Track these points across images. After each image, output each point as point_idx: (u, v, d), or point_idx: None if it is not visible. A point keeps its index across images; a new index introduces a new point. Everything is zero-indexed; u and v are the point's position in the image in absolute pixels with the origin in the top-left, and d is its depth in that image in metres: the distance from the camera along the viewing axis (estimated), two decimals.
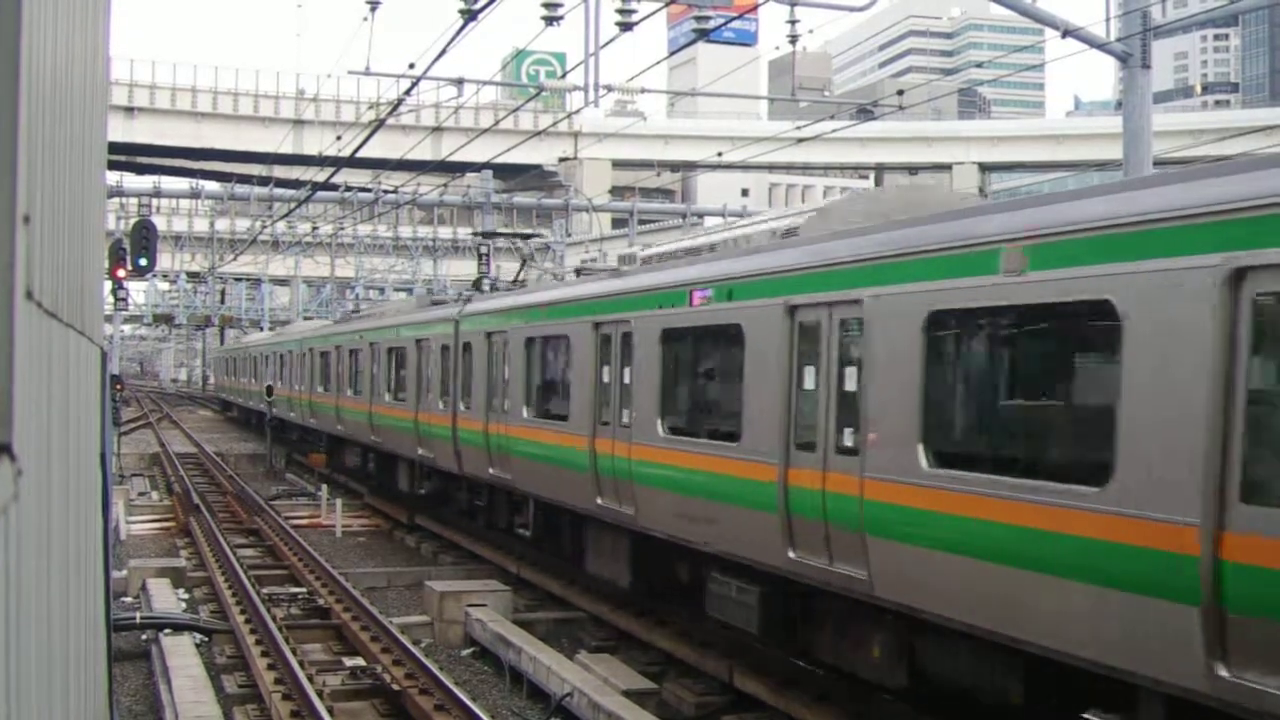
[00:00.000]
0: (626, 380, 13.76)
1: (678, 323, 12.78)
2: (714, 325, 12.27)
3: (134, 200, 53.63)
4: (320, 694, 11.76)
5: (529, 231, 24.39)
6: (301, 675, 12.22)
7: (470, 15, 17.82)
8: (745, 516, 11.24)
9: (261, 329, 63.02)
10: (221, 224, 65.91)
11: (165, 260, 61.92)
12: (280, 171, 66.00)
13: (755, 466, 11.03)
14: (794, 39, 20.29)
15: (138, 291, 65.60)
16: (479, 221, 46.14)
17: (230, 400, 60.32)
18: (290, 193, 52.02)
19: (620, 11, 18.62)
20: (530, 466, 16.79)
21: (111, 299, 33.50)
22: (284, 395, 39.15)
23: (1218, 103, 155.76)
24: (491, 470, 18.31)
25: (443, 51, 19.59)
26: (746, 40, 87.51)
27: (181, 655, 13.58)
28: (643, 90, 26.03)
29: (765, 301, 11.05)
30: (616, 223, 62.82)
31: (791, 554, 10.45)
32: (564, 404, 15.72)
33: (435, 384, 21.36)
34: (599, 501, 14.33)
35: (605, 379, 14.27)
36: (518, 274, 23.99)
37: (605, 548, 15.21)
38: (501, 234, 28.61)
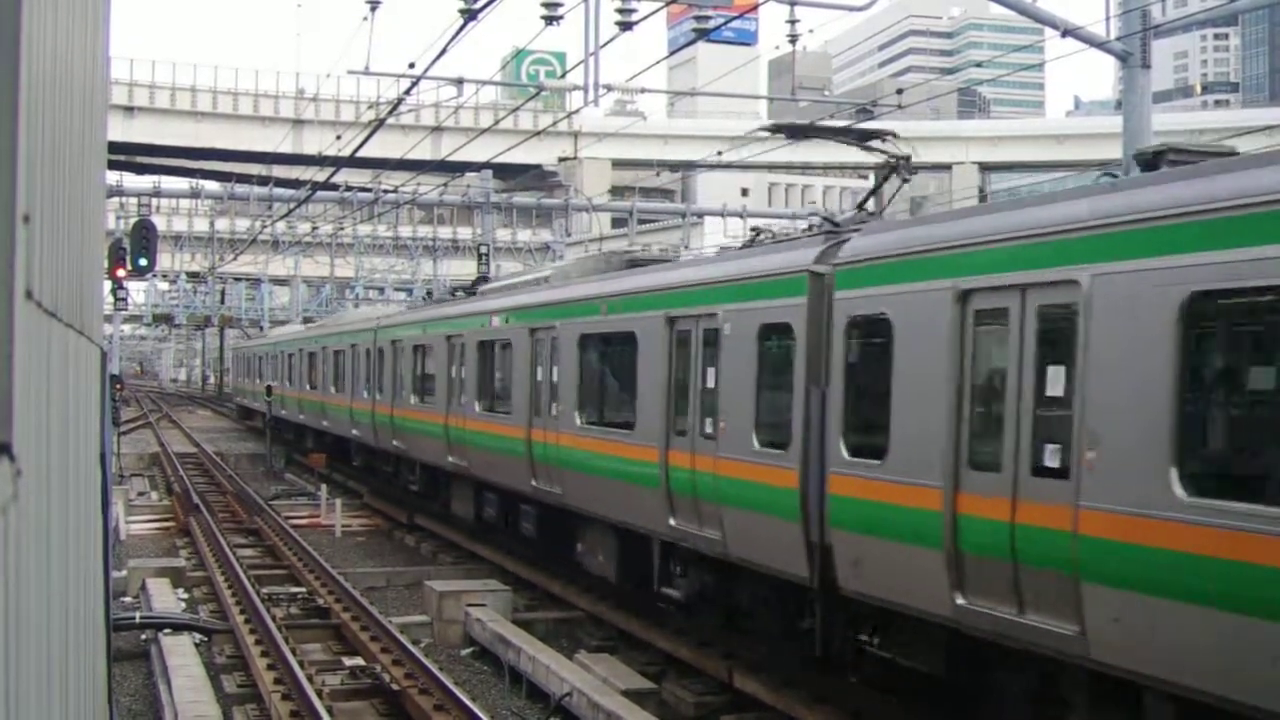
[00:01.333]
0: None
1: None
2: None
3: (134, 200, 53.61)
4: (320, 694, 11.77)
5: (883, 129, 12.93)
6: (301, 675, 12.23)
7: (470, 15, 17.82)
8: None
9: (261, 329, 62.83)
10: (221, 224, 65.92)
11: (165, 260, 61.90)
12: (280, 171, 65.96)
13: None
14: (794, 39, 20.35)
15: (138, 291, 65.73)
16: (479, 221, 46.10)
17: (251, 407, 51.16)
18: (290, 193, 51.98)
19: (620, 11, 18.63)
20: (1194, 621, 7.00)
21: (111, 299, 33.51)
22: (341, 405, 30.36)
23: (1218, 102, 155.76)
24: (988, 608, 8.52)
25: (443, 51, 19.61)
26: (746, 40, 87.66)
27: (181, 655, 13.58)
28: (643, 90, 26.05)
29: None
30: (616, 222, 62.82)
31: None
32: None
33: (737, 405, 11.87)
34: None
35: None
36: (865, 199, 14.06)
37: None
38: (832, 130, 15.02)
